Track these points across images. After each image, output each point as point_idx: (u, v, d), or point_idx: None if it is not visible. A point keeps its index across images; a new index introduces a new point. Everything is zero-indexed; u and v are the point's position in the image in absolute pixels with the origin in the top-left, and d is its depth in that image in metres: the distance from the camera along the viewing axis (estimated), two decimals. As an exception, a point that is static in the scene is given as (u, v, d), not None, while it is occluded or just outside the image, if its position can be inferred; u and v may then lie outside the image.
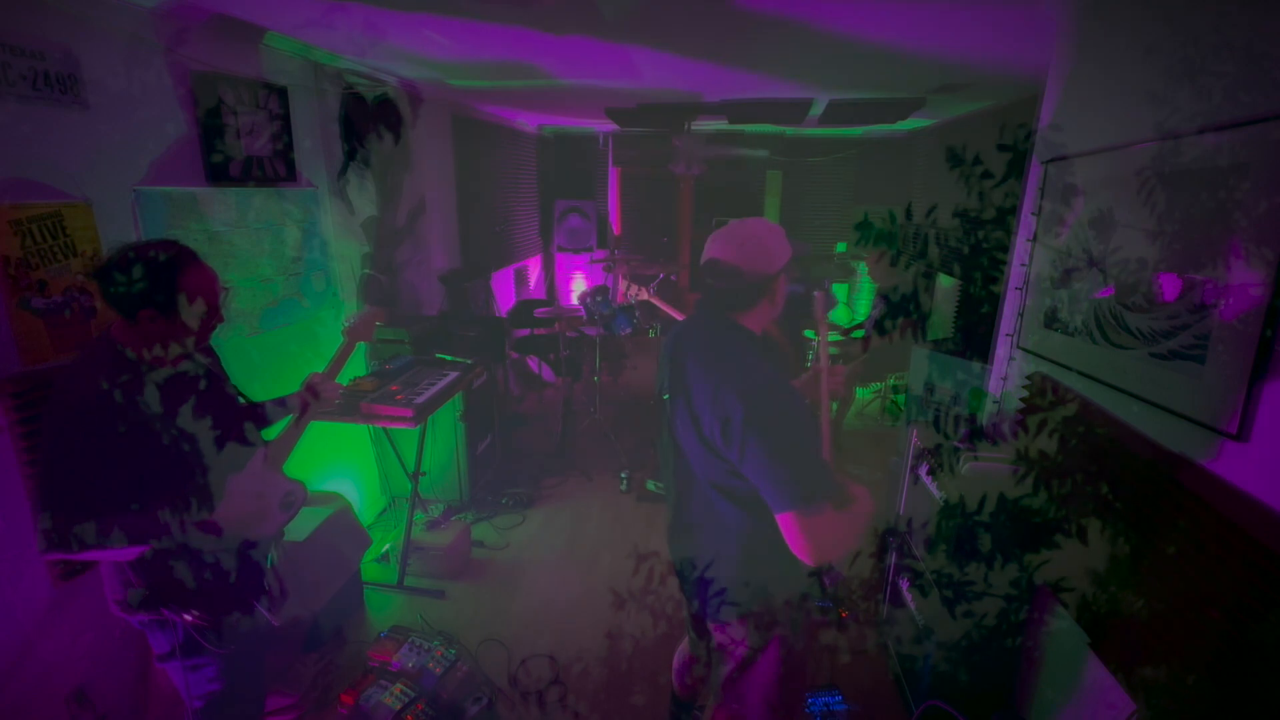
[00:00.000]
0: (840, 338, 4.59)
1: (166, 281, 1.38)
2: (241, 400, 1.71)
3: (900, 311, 2.29)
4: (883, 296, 4.07)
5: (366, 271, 3.38)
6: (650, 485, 3.93)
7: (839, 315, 6.00)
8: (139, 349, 1.41)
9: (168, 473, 1.42)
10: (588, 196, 6.53)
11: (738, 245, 1.43)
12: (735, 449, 1.34)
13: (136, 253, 1.37)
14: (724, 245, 1.45)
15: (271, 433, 1.76)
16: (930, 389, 2.23)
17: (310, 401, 1.79)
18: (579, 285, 6.73)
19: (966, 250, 2.27)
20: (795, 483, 1.28)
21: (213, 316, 1.49)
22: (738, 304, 1.46)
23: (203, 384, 1.55)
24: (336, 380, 1.87)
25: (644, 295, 3.94)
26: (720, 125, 5.40)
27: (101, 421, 1.33)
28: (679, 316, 3.69)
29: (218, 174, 2.38)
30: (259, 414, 1.78)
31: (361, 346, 3.45)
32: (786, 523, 1.29)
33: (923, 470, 2.19)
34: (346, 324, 1.96)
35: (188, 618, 1.47)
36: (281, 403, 1.82)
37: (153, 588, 1.44)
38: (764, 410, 1.32)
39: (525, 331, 4.98)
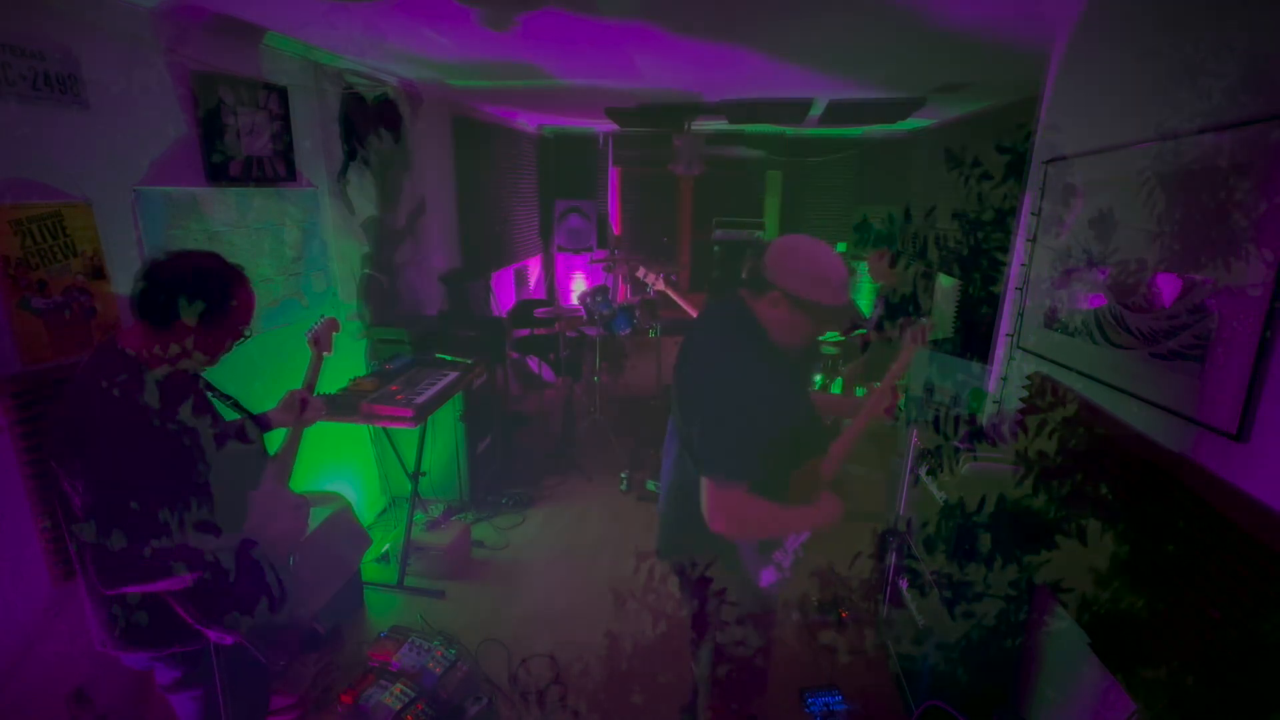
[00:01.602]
0: (840, 337, 4.59)
1: (219, 296, 1.37)
2: (226, 407, 1.69)
3: (900, 312, 2.29)
4: (883, 297, 4.07)
5: (366, 271, 3.38)
6: (650, 485, 3.93)
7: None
8: (151, 355, 1.36)
9: (202, 489, 1.38)
10: (588, 196, 6.53)
11: (782, 242, 1.51)
12: (696, 412, 1.47)
13: (187, 264, 1.35)
14: (785, 234, 1.59)
15: (272, 446, 1.76)
16: (930, 389, 2.23)
17: (296, 416, 1.80)
18: (579, 285, 6.73)
19: (966, 251, 2.27)
20: (719, 455, 1.40)
21: (245, 329, 1.48)
22: (746, 280, 1.53)
23: (200, 383, 1.56)
24: (314, 390, 1.87)
25: (660, 285, 3.96)
26: (720, 125, 5.40)
27: (143, 437, 1.30)
28: (690, 310, 3.70)
29: (218, 174, 2.38)
30: (259, 419, 1.78)
31: (361, 347, 3.45)
32: (705, 485, 1.42)
33: (923, 470, 2.19)
34: (309, 335, 1.94)
35: (230, 639, 1.43)
36: (266, 418, 1.81)
37: (202, 609, 1.38)
38: (722, 383, 1.46)
39: (525, 331, 4.98)
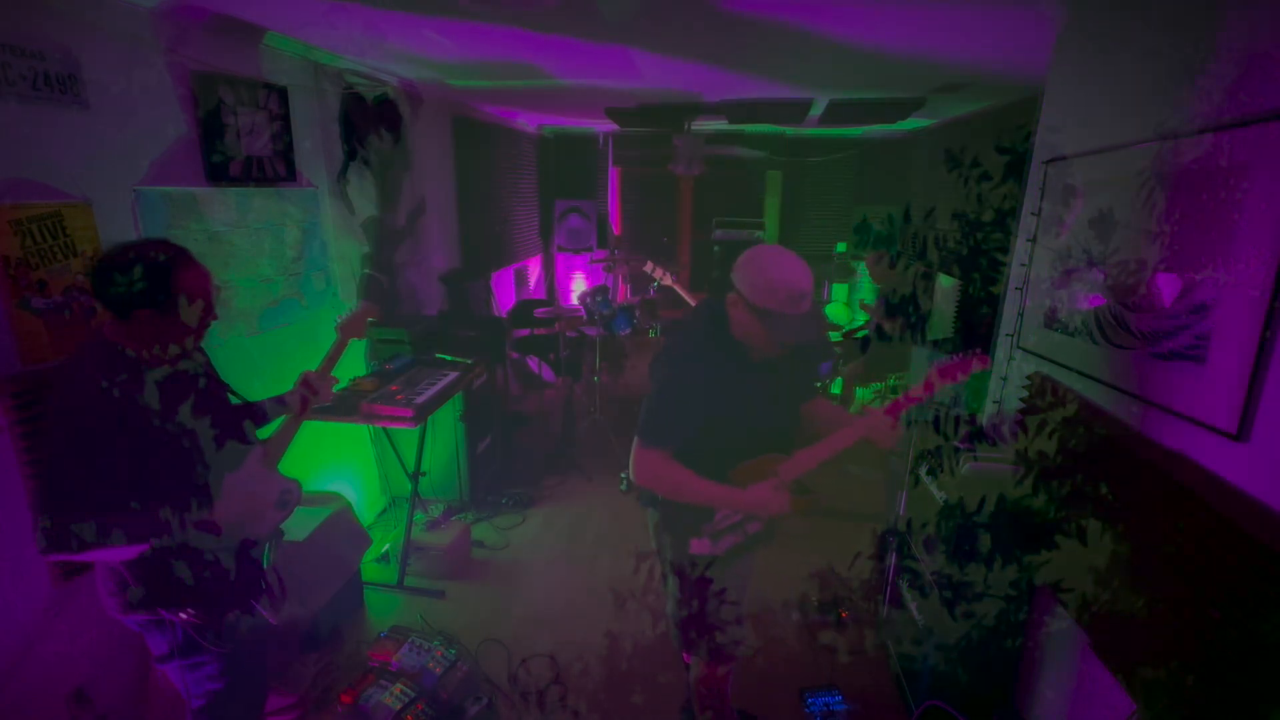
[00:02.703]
0: (841, 338, 4.60)
1: (161, 280, 1.38)
2: (235, 400, 1.70)
3: (900, 313, 2.29)
4: (883, 298, 4.08)
5: (366, 271, 3.38)
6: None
7: (839, 315, 6.01)
8: (134, 347, 1.41)
9: (165, 470, 1.42)
10: (588, 196, 6.53)
11: (751, 249, 1.61)
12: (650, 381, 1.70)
13: (129, 252, 1.37)
14: (764, 244, 1.67)
15: (267, 431, 1.76)
16: (930, 389, 2.23)
17: (307, 398, 1.80)
18: (579, 285, 6.73)
19: (966, 251, 2.27)
20: (646, 420, 1.62)
21: (207, 314, 1.49)
22: (725, 280, 1.64)
23: (200, 382, 1.55)
24: (331, 376, 1.87)
25: (668, 281, 4.01)
26: (720, 125, 5.40)
27: (100, 419, 1.32)
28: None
29: (218, 174, 2.38)
30: (255, 413, 1.78)
31: (361, 347, 3.45)
32: (634, 441, 1.64)
33: (923, 470, 2.19)
34: (339, 321, 1.96)
35: (184, 617, 1.46)
36: (279, 401, 1.83)
37: (149, 587, 1.43)
38: (662, 363, 1.67)
39: (525, 331, 4.98)
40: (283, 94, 2.68)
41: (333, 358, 1.89)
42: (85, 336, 1.89)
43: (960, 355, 1.63)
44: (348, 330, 1.95)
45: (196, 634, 1.50)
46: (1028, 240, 2.04)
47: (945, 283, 2.46)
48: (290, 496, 1.66)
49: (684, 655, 2.05)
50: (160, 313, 1.39)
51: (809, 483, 1.70)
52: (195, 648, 1.51)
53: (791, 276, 1.51)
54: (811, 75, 3.04)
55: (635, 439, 1.63)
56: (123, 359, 1.39)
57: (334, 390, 1.91)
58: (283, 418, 1.80)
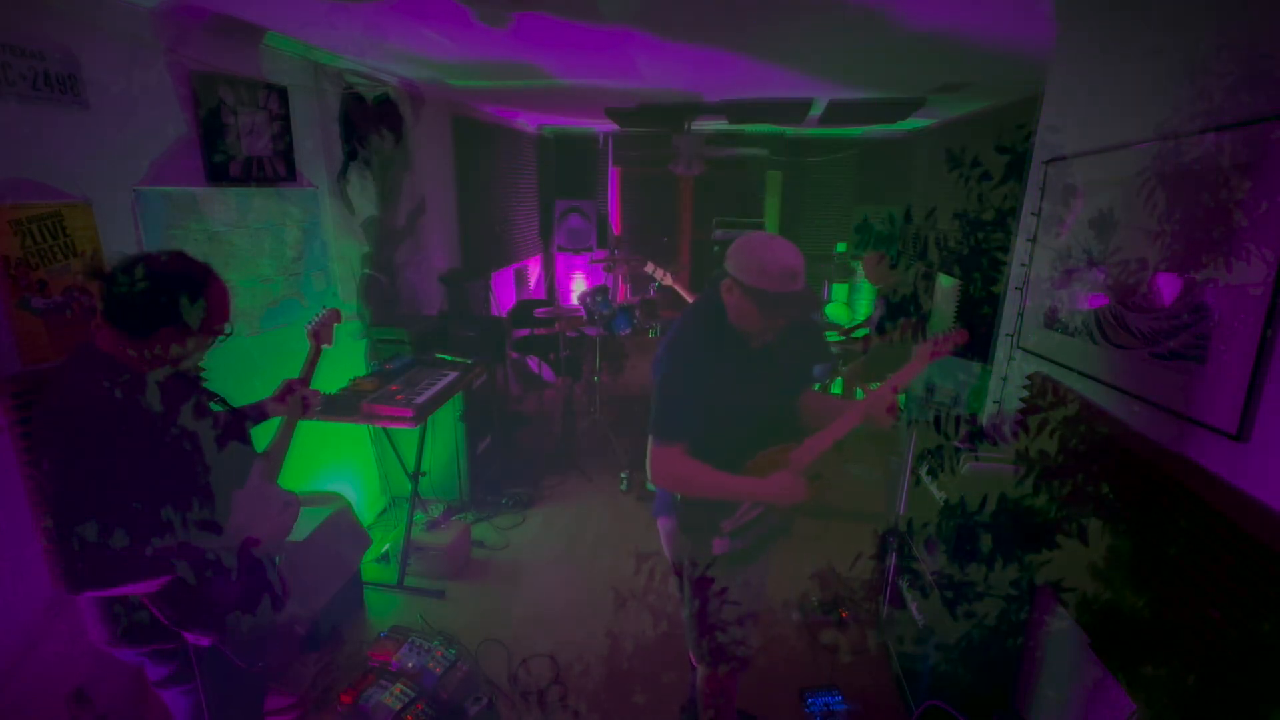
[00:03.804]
0: (841, 338, 4.60)
1: (193, 298, 1.34)
2: (223, 408, 1.67)
3: (900, 312, 2.29)
4: (883, 298, 4.09)
5: (366, 271, 3.38)
6: (650, 485, 3.93)
7: (839, 315, 6.01)
8: (137, 352, 1.35)
9: (181, 489, 1.37)
10: (588, 196, 6.53)
11: (745, 238, 1.61)
12: (654, 379, 1.68)
13: (154, 265, 1.33)
14: (755, 232, 1.68)
15: (260, 443, 1.75)
16: (930, 389, 2.23)
17: (294, 406, 1.78)
18: (579, 285, 6.73)
19: (966, 251, 2.27)
20: (658, 418, 1.61)
21: (223, 330, 1.46)
22: (722, 270, 1.63)
23: (202, 384, 1.55)
24: (310, 383, 1.86)
25: (668, 280, 4.07)
26: (720, 125, 5.40)
27: (117, 438, 1.28)
28: None
29: (218, 174, 2.38)
30: (246, 418, 1.76)
31: (361, 347, 3.45)
32: (649, 443, 1.62)
33: (923, 470, 2.19)
34: (309, 327, 1.93)
35: (207, 641, 1.43)
36: (260, 407, 1.80)
37: (178, 612, 1.38)
38: (666, 357, 1.65)
39: (525, 331, 4.98)
40: (283, 94, 2.68)
41: (310, 366, 1.89)
42: (87, 338, 1.88)
43: (941, 334, 1.69)
44: (320, 338, 1.93)
45: (230, 653, 1.46)
46: (1028, 240, 2.04)
47: (945, 283, 2.46)
48: (291, 506, 1.66)
49: (691, 658, 2.05)
50: (182, 331, 1.35)
51: (812, 469, 1.70)
52: (187, 675, 1.49)
53: (782, 255, 1.54)
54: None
55: (650, 439, 1.61)
56: (112, 367, 1.33)
57: (333, 392, 1.90)
58: (274, 425, 1.79)
